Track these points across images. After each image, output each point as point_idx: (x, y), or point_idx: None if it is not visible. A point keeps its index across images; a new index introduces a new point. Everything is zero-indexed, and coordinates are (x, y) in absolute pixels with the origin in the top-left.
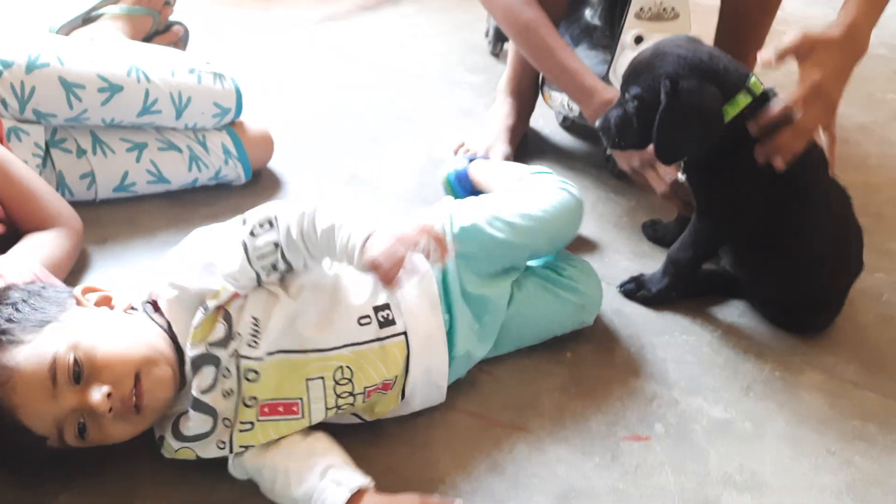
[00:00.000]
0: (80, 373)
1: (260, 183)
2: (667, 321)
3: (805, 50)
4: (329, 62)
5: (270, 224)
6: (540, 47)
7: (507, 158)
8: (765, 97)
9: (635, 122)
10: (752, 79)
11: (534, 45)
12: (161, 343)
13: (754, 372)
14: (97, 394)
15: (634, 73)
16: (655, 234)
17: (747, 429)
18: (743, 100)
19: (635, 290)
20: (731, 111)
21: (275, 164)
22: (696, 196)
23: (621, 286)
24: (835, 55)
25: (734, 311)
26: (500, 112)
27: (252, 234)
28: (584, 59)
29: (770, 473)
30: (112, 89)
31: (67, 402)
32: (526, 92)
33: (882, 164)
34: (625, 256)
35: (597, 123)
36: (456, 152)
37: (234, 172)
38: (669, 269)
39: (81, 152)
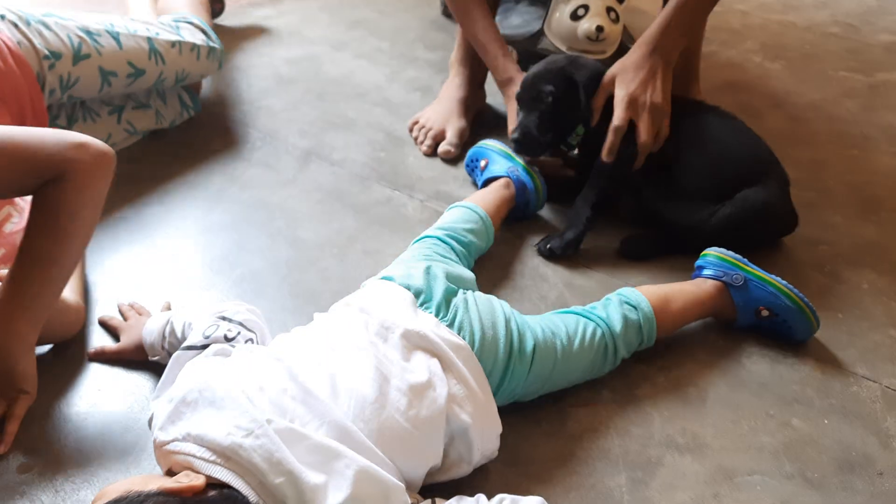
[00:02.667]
0: None
1: (215, 149)
2: (618, 286)
3: (609, 82)
4: (284, 39)
5: None
6: (464, 14)
7: (462, 133)
8: None
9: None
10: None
11: (461, 11)
12: None
13: (698, 339)
14: None
15: (539, 82)
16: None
17: (690, 393)
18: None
19: (545, 243)
20: None
21: (237, 137)
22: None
23: (536, 245)
24: (635, 72)
25: (681, 276)
26: (453, 84)
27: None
28: (525, 14)
29: (711, 435)
30: (137, 74)
31: None
32: (476, 61)
33: (830, 141)
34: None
35: (514, 135)
36: (411, 129)
37: (184, 118)
38: (576, 217)
39: (73, 121)
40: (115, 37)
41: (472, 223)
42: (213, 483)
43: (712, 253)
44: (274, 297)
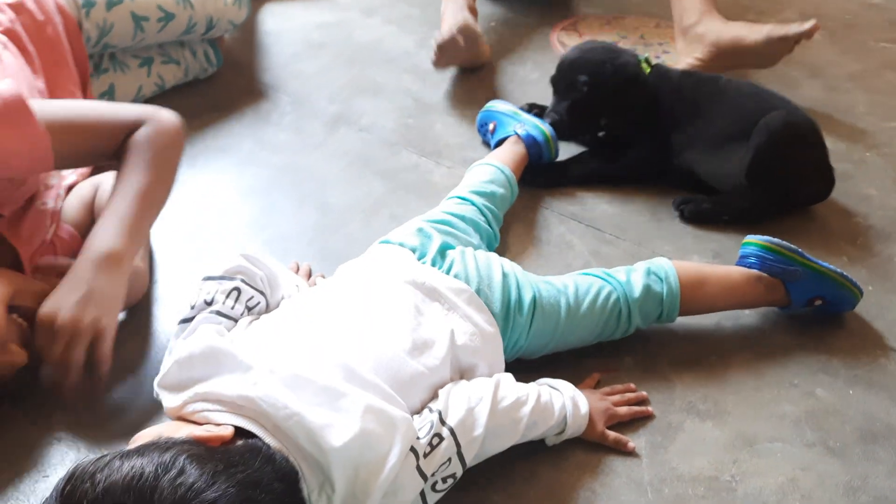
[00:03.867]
0: None
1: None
2: (644, 257)
3: None
4: (316, 4)
5: None
6: None
7: (464, 25)
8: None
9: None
10: (642, 59)
11: None
12: None
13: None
14: None
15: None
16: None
17: (713, 361)
18: None
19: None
20: None
21: (267, 102)
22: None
23: (677, 205)
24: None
25: (709, 252)
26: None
27: None
28: None
29: (732, 403)
30: (167, 18)
31: None
32: None
33: (869, 112)
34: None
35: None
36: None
37: (207, 72)
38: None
39: (103, 72)
40: None
41: (492, 176)
42: (236, 434)
43: (760, 242)
44: (301, 260)
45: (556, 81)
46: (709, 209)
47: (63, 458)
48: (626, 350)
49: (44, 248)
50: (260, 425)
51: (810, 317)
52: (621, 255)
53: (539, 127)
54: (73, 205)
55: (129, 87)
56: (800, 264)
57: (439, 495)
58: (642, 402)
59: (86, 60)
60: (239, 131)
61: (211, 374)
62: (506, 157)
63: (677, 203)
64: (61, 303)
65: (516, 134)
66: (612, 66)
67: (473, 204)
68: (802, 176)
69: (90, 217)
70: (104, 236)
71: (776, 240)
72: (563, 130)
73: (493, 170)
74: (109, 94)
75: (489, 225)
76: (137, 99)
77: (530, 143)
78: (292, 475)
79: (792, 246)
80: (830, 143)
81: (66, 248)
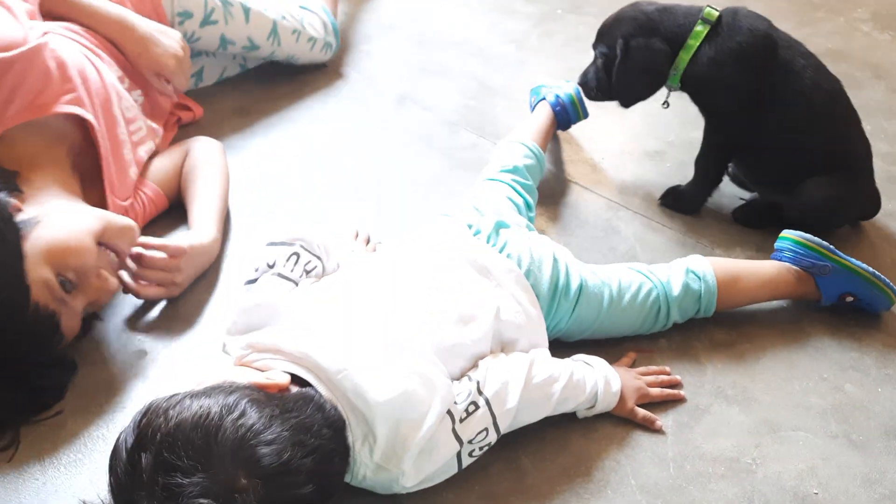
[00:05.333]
0: None
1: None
2: (688, 250)
3: None
4: None
5: None
6: None
7: None
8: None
9: (604, 75)
10: (706, 10)
11: None
12: None
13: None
14: None
15: (600, 34)
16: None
17: (746, 350)
18: (699, 33)
19: (674, 200)
20: (685, 56)
21: (338, 78)
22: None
23: (661, 199)
24: None
25: (752, 245)
26: None
27: None
28: None
29: (761, 391)
30: (252, 48)
31: None
32: None
33: None
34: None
35: (577, 80)
36: None
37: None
38: (697, 175)
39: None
40: (246, 12)
41: (515, 150)
42: (292, 382)
43: (794, 237)
44: (360, 227)
45: (596, 41)
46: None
47: (138, 393)
48: (661, 332)
49: (125, 190)
50: (315, 375)
51: (848, 314)
52: (666, 243)
53: (567, 92)
54: (163, 167)
55: (213, 69)
56: (830, 260)
57: (473, 460)
58: (675, 385)
59: None
60: (310, 105)
61: (271, 324)
62: (531, 129)
63: (735, 209)
64: (186, 266)
65: (544, 99)
66: (655, 25)
67: (503, 182)
68: (852, 213)
69: (177, 180)
70: (209, 228)
71: (809, 235)
72: (589, 95)
73: (514, 146)
74: (196, 77)
75: (521, 195)
76: (221, 80)
77: (558, 108)
78: (339, 423)
79: (824, 242)
80: (885, 145)
81: (150, 203)
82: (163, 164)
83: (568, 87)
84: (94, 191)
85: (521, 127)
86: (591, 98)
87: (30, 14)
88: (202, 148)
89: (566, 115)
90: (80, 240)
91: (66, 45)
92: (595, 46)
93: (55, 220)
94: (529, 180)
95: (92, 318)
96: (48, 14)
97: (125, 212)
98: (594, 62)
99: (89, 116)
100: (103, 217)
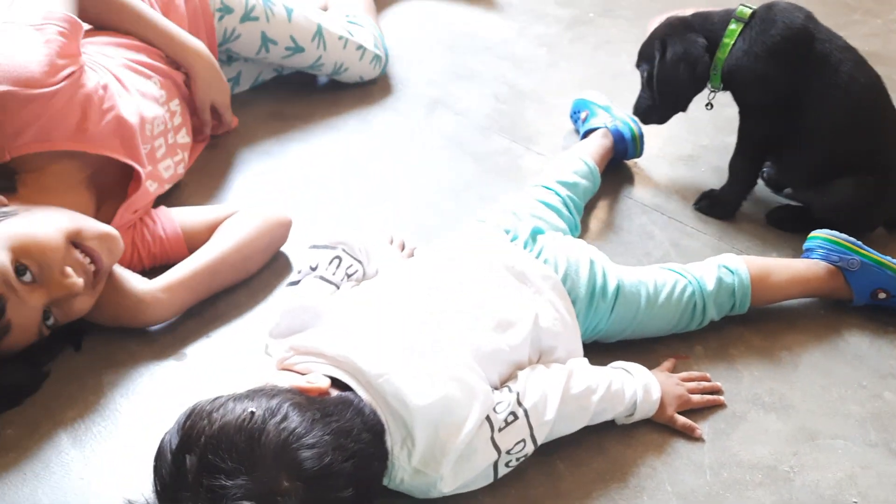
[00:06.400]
0: None
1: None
2: (724, 251)
3: None
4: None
5: None
6: None
7: None
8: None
9: (650, 91)
10: (739, 8)
11: None
12: None
13: (799, 306)
14: None
15: (640, 53)
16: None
17: (783, 357)
18: (733, 31)
19: (708, 205)
20: (722, 55)
21: (371, 83)
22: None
23: (695, 204)
24: None
25: (787, 250)
26: None
27: None
28: None
29: (798, 398)
30: (296, 49)
31: None
32: None
33: None
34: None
35: (632, 111)
36: None
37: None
38: (732, 177)
39: (233, 60)
40: (289, 11)
41: (577, 167)
42: (332, 386)
43: (823, 235)
44: (395, 233)
45: (638, 60)
46: (794, 219)
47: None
48: (697, 339)
49: (133, 219)
50: (355, 379)
51: (886, 320)
52: (701, 248)
53: (629, 124)
54: (198, 216)
55: (249, 73)
56: (858, 254)
57: (509, 470)
58: (716, 392)
59: (215, 48)
60: (344, 110)
61: (312, 327)
62: (592, 150)
63: (769, 211)
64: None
65: (606, 127)
66: (666, 41)
67: (557, 194)
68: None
69: (208, 234)
70: (159, 283)
71: (835, 232)
72: (645, 119)
73: (578, 161)
74: (233, 82)
75: (571, 214)
76: (256, 83)
77: (618, 139)
78: (379, 427)
79: (851, 238)
80: None
81: (160, 244)
82: (202, 215)
83: (625, 117)
84: (110, 206)
85: (584, 145)
86: (648, 121)
87: (64, 47)
88: (244, 217)
89: (624, 148)
90: (48, 232)
91: (96, 77)
92: (638, 66)
93: (33, 215)
94: (581, 200)
95: (71, 338)
96: (96, 20)
97: (128, 223)
98: (641, 85)
99: (136, 166)
100: (81, 219)
